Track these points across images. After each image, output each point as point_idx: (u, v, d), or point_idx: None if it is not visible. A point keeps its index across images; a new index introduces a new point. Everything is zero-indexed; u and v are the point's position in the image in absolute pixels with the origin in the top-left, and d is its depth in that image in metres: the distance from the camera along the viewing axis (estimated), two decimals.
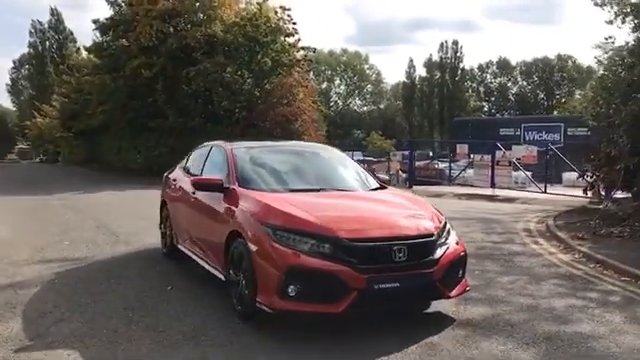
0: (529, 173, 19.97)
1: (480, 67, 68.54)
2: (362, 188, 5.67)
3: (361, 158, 33.88)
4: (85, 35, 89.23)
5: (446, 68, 64.74)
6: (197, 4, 24.08)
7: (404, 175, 23.13)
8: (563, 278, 6.46)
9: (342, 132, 59.66)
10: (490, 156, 19.45)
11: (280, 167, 5.78)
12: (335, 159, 6.30)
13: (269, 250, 4.32)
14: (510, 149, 19.79)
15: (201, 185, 5.47)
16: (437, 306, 4.97)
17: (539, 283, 6.16)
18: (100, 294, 5.54)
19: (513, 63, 67.52)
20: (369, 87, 70.65)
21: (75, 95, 33.61)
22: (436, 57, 65.06)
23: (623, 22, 14.33)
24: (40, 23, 63.56)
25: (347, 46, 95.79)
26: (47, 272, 6.44)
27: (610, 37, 14.90)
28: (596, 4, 14.49)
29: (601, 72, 15.66)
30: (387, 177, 22.33)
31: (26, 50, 66.23)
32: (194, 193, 6.00)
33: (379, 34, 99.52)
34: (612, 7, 14.24)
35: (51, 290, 5.73)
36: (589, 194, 15.03)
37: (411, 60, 67.02)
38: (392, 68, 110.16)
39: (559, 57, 64.88)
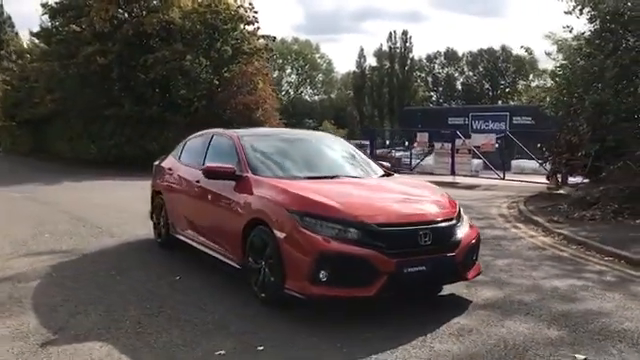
0: (481, 162, 20.67)
1: (428, 57, 69.92)
2: (372, 175, 5.76)
3: None
4: (25, 19, 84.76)
5: (395, 58, 65.60)
6: None
7: None
8: (553, 260, 6.78)
9: (295, 121, 59.55)
10: (450, 144, 19.98)
11: (290, 155, 5.78)
12: (340, 147, 6.35)
13: (298, 237, 4.34)
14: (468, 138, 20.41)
15: (213, 173, 5.40)
16: (450, 289, 5.12)
17: (533, 265, 6.44)
18: (107, 286, 5.41)
19: (460, 54, 69.21)
20: (320, 76, 70.75)
21: (18, 83, 32.09)
22: (386, 47, 65.91)
23: (581, 13, 14.98)
24: None
25: (295, 35, 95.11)
26: (40, 265, 6.22)
27: (568, 26, 15.53)
28: None
29: (560, 62, 16.25)
30: None
31: None
32: (198, 182, 5.93)
33: (327, 23, 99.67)
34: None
35: (52, 283, 5.55)
36: (550, 180, 15.72)
37: (361, 50, 67.61)
38: (342, 57, 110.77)
39: (503, 48, 67.04)
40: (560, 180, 15.57)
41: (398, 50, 65.61)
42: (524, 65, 66.78)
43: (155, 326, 4.31)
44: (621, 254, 6.76)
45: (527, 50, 17.58)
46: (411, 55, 66.15)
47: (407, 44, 65.86)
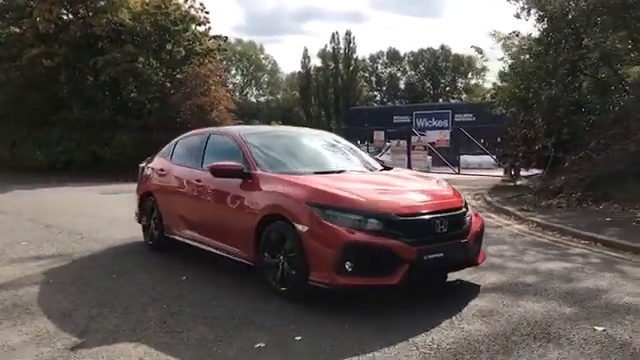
0: (430, 158, 21.33)
1: (372, 57, 71.08)
2: (374, 169, 5.92)
3: None
4: None
5: (339, 58, 66.28)
6: None
7: None
8: (536, 245, 7.16)
9: (243, 122, 59.09)
10: (406, 141, 20.52)
11: (292, 151, 5.87)
12: (338, 143, 6.47)
13: (322, 229, 4.43)
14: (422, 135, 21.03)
15: (220, 171, 5.40)
16: (455, 275, 5.34)
17: (520, 250, 6.79)
18: (113, 290, 5.31)
19: (402, 54, 70.73)
20: (265, 77, 70.55)
21: None
22: (329, 48, 66.47)
23: (529, 14, 15.74)
24: None
25: (236, 35, 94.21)
26: (31, 272, 6.02)
27: (515, 31, 16.30)
28: None
29: (509, 60, 16.97)
30: None
31: None
32: (199, 181, 5.92)
33: (268, 24, 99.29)
34: (516, 1, 15.60)
35: (53, 289, 5.38)
36: (505, 173, 16.42)
37: (305, 50, 67.86)
38: (286, 58, 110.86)
39: (442, 48, 69.15)
40: (514, 173, 16.32)
41: (342, 51, 66.32)
42: (462, 64, 69.16)
43: (182, 324, 4.30)
44: (597, 237, 7.22)
45: (477, 50, 18.20)
46: (355, 55, 67.05)
47: (350, 45, 66.68)
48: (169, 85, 23.06)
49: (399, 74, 71.50)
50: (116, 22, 21.88)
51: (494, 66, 25.31)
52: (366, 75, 70.99)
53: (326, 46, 66.95)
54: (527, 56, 15.45)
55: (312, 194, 4.67)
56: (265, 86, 70.76)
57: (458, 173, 19.09)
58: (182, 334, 4.11)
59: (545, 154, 13.28)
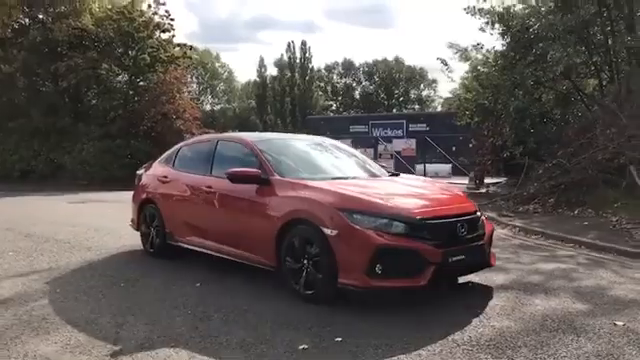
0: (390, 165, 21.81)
1: (327, 67, 71.73)
2: (384, 175, 6.10)
3: None
4: None
5: (296, 68, 66.66)
6: None
7: None
8: (525, 248, 7.50)
9: (210, 131, 58.39)
10: (372, 149, 20.88)
11: (303, 158, 5.98)
12: (344, 150, 6.62)
13: (352, 233, 4.56)
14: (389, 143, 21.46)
15: (239, 178, 5.44)
16: (465, 277, 5.55)
17: (513, 252, 7.10)
18: (129, 297, 5.24)
19: (357, 64, 71.77)
20: (221, 85, 70.06)
21: None
22: (285, 57, 66.79)
23: (493, 28, 16.43)
24: None
25: (189, 43, 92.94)
26: (33, 284, 5.81)
27: (479, 44, 16.96)
28: (469, 12, 16.38)
29: (474, 72, 17.61)
30: None
31: None
32: (210, 188, 5.93)
33: (222, 32, 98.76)
34: (482, 16, 16.29)
35: (65, 300, 5.23)
36: (470, 181, 16.98)
37: (261, 59, 67.90)
38: (241, 67, 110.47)
39: (396, 59, 70.58)
40: (478, 180, 16.90)
41: (298, 60, 66.74)
42: (415, 75, 70.83)
43: (215, 329, 4.32)
44: (582, 240, 7.63)
45: (443, 62, 18.76)
46: (310, 65, 67.62)
47: (306, 54, 67.20)
48: (133, 92, 22.68)
49: (354, 84, 72.44)
50: (78, 27, 21.43)
51: (453, 76, 26.14)
52: (322, 85, 71.60)
53: (282, 55, 67.36)
54: (493, 69, 16.11)
55: (340, 199, 4.79)
56: (221, 94, 70.22)
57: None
58: (219, 338, 4.13)
59: (513, 162, 13.85)
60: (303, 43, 67.01)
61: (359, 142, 22.91)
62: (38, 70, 21.10)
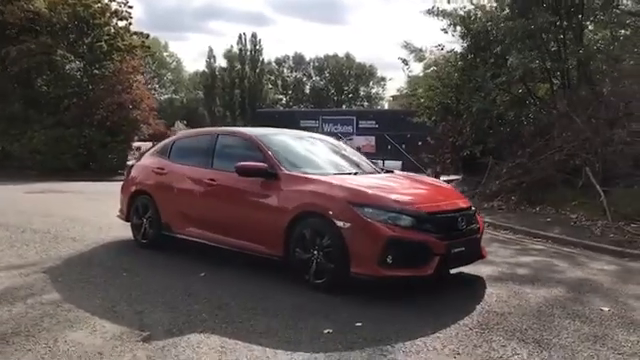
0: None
1: (278, 61, 71.65)
2: (380, 171, 6.42)
3: None
4: None
5: (246, 60, 66.18)
6: None
7: None
8: (498, 242, 8.01)
9: (156, 122, 57.10)
10: None
11: (303, 153, 6.21)
12: (337, 145, 6.89)
13: (364, 226, 4.85)
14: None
15: (247, 171, 5.62)
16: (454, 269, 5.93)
17: (489, 246, 7.54)
18: (136, 287, 5.29)
19: (307, 59, 72.08)
20: (169, 75, 68.69)
21: None
22: (236, 49, 66.21)
23: (455, 30, 17.08)
24: None
25: (136, 30, 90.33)
26: (31, 275, 5.72)
27: (439, 45, 17.59)
28: (432, 14, 16.96)
29: (432, 73, 18.23)
30: None
31: None
32: (214, 180, 6.08)
33: (170, 20, 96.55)
34: (444, 18, 16.90)
35: (72, 290, 5.24)
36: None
37: (211, 50, 67.09)
38: (188, 57, 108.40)
39: (347, 55, 71.37)
40: (435, 177, 17.56)
41: (248, 52, 66.28)
42: (365, 72, 71.88)
43: (236, 316, 4.51)
44: (548, 235, 8.25)
45: (404, 61, 19.25)
46: (261, 58, 67.26)
47: (257, 47, 66.76)
48: (87, 80, 22.11)
49: (304, 79, 72.72)
50: (30, 10, 20.66)
51: (399, 75, 26.86)
52: (272, 78, 71.45)
53: (232, 47, 66.70)
54: (453, 69, 16.76)
55: (351, 193, 5.07)
56: (168, 84, 68.85)
57: None
58: (244, 324, 4.33)
59: (472, 161, 14.53)
60: (254, 35, 66.62)
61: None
62: None
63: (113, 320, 4.42)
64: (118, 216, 7.55)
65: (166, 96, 68.39)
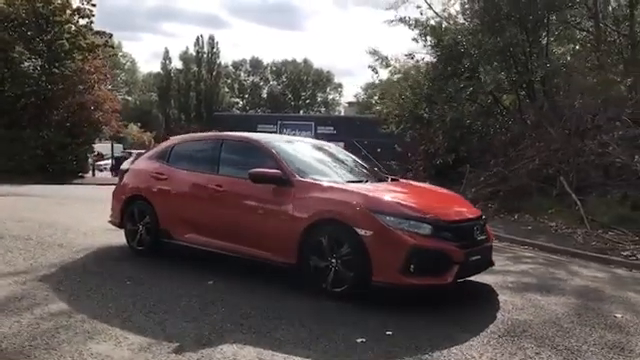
0: None
1: (235, 64, 71.18)
2: (387, 179, 6.46)
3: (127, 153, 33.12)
4: None
5: (203, 63, 65.43)
6: None
7: None
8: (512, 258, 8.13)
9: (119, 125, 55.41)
10: None
11: (312, 160, 6.17)
12: (344, 153, 6.87)
13: (386, 234, 4.86)
14: None
15: (261, 177, 5.54)
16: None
17: (511, 261, 7.65)
18: (145, 296, 5.07)
19: (265, 63, 71.91)
20: (123, 76, 67.00)
21: None
22: (192, 51, 65.38)
23: (425, 40, 17.44)
24: None
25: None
26: (28, 284, 5.43)
27: (410, 54, 17.91)
28: (405, 24, 17.26)
29: (398, 82, 18.53)
30: None
31: None
32: (221, 187, 5.97)
33: (121, 20, 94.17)
34: (414, 28, 17.26)
35: (78, 299, 5.02)
36: None
37: (167, 51, 66.06)
38: (143, 58, 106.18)
39: (305, 61, 71.69)
40: None
41: (205, 55, 65.53)
42: (322, 79, 72.32)
43: (261, 326, 4.41)
44: (535, 243, 8.50)
45: (373, 69, 19.42)
46: (218, 61, 66.67)
47: (214, 50, 66.20)
48: (46, 79, 21.30)
49: (262, 83, 72.50)
50: None
51: (355, 82, 27.15)
52: (229, 81, 70.87)
53: (187, 49, 65.89)
54: (424, 78, 17.09)
55: (371, 202, 5.08)
56: (122, 85, 67.11)
57: None
58: (273, 334, 4.25)
59: (445, 169, 14.83)
60: (211, 38, 66.14)
61: None
62: None
63: (135, 331, 4.26)
64: (110, 222, 7.29)
65: (119, 97, 66.62)
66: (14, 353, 3.78)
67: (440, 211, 5.23)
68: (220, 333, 4.25)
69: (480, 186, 12.18)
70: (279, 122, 43.94)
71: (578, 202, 9.92)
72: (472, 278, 5.94)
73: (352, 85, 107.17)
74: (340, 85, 73.18)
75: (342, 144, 22.87)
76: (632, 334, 4.44)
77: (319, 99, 73.70)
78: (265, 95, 72.35)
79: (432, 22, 17.02)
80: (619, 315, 4.92)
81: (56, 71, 21.63)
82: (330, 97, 74.43)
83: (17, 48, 19.90)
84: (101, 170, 27.45)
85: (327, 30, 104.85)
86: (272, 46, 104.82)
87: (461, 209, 5.57)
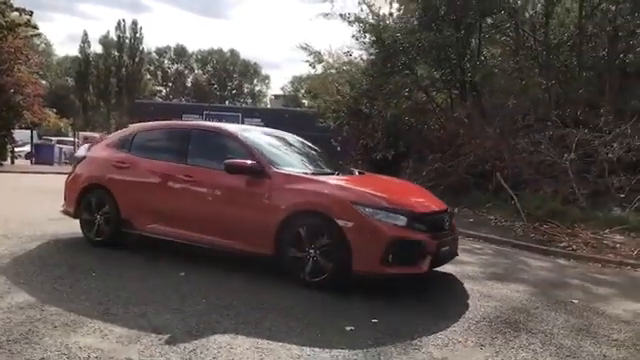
0: None
1: (158, 51, 68.96)
2: (352, 172, 6.59)
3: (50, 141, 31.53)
4: None
5: (124, 48, 62.93)
6: None
7: None
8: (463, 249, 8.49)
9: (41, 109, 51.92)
10: None
11: (283, 151, 6.21)
12: (308, 145, 6.91)
13: (367, 225, 4.99)
14: None
15: (236, 168, 5.49)
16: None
17: (463, 252, 7.97)
18: (121, 288, 4.93)
19: (190, 51, 70.18)
20: (37, 58, 62.93)
21: None
22: (114, 35, 62.72)
23: (365, 37, 17.76)
24: None
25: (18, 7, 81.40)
26: None
27: (348, 51, 18.18)
28: (347, 21, 17.49)
29: (341, 76, 18.79)
30: None
31: None
32: (191, 177, 5.87)
33: None
34: (353, 24, 17.54)
35: (45, 292, 4.79)
36: None
37: (85, 34, 63.02)
38: (56, 40, 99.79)
39: (232, 51, 70.67)
40: None
41: (127, 40, 63.08)
42: (250, 70, 71.64)
43: (248, 316, 4.40)
44: (479, 235, 8.96)
45: (311, 65, 19.43)
46: (141, 47, 64.38)
47: (137, 35, 63.89)
48: None
49: (186, 72, 70.76)
50: None
51: (282, 74, 27.42)
52: (152, 68, 68.61)
53: (108, 32, 63.14)
54: (362, 75, 17.39)
55: (351, 193, 5.20)
56: (36, 68, 63.06)
57: None
58: (262, 324, 4.26)
59: (384, 163, 15.20)
60: (134, 22, 63.94)
61: None
62: None
63: (119, 323, 4.14)
64: (63, 212, 6.95)
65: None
66: None
67: (413, 203, 5.44)
68: (209, 324, 4.21)
69: (421, 181, 12.59)
70: (205, 112, 42.93)
71: (514, 197, 10.53)
72: (437, 268, 6.23)
73: (279, 77, 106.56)
74: (267, 77, 72.93)
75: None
76: (592, 317, 4.85)
77: (246, 90, 72.99)
78: (190, 84, 70.66)
79: (371, 20, 17.28)
80: (576, 301, 5.34)
81: None
82: (257, 89, 73.94)
83: None
84: (16, 157, 25.92)
85: (253, 20, 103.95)
86: (197, 34, 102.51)
87: (430, 202, 5.80)
